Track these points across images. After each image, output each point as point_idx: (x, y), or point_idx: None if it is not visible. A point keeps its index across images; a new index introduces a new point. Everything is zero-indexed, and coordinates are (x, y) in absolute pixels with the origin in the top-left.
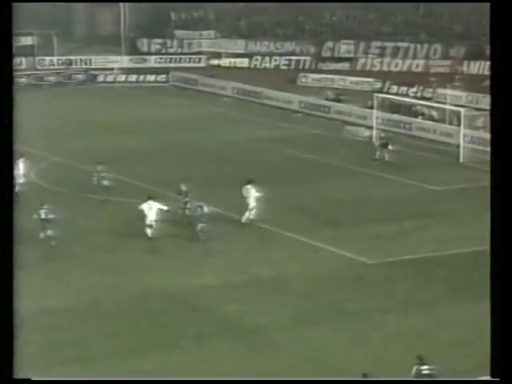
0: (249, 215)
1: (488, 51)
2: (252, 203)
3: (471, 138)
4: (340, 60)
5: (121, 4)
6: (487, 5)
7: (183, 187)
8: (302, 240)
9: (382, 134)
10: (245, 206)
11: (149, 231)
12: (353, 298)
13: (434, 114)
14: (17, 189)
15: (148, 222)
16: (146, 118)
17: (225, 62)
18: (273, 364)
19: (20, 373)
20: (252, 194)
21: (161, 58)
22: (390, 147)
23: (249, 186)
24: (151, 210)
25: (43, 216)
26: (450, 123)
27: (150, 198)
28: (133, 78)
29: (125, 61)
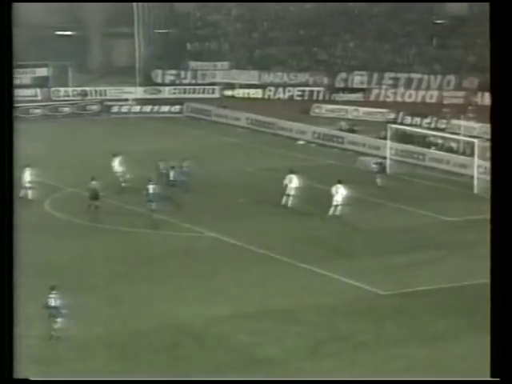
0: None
1: None
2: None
3: (485, 168)
4: (353, 91)
5: (135, 35)
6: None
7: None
8: (315, 271)
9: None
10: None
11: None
12: (366, 329)
13: (453, 145)
14: None
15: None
16: (160, 149)
17: (239, 92)
18: None
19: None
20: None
21: (175, 89)
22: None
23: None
24: None
25: None
26: (464, 154)
27: None
28: (147, 108)
29: (139, 92)
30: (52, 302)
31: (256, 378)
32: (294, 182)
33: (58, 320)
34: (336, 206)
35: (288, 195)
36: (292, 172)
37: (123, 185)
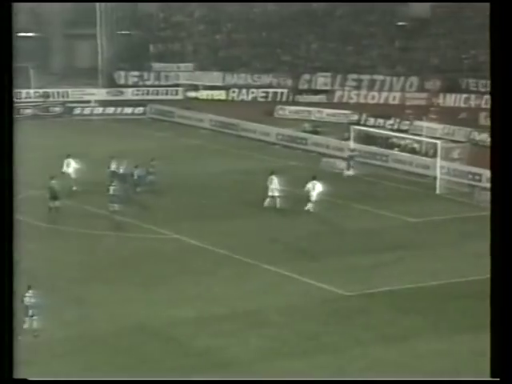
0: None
1: (463, 85)
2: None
3: (448, 169)
4: (317, 92)
5: (98, 37)
6: (465, 38)
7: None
8: (279, 272)
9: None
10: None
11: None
12: (331, 330)
13: (416, 146)
14: None
15: None
16: (122, 150)
17: (202, 94)
18: None
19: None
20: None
21: (138, 91)
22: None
23: None
24: None
25: None
26: (427, 155)
27: None
28: (110, 110)
29: (102, 93)
30: (27, 301)
31: (255, 378)
32: (274, 184)
33: (34, 318)
34: (312, 202)
35: (272, 197)
36: (273, 173)
37: (74, 188)
